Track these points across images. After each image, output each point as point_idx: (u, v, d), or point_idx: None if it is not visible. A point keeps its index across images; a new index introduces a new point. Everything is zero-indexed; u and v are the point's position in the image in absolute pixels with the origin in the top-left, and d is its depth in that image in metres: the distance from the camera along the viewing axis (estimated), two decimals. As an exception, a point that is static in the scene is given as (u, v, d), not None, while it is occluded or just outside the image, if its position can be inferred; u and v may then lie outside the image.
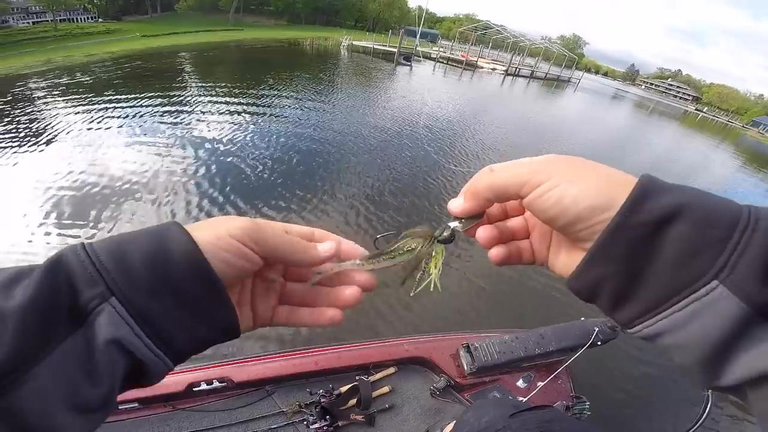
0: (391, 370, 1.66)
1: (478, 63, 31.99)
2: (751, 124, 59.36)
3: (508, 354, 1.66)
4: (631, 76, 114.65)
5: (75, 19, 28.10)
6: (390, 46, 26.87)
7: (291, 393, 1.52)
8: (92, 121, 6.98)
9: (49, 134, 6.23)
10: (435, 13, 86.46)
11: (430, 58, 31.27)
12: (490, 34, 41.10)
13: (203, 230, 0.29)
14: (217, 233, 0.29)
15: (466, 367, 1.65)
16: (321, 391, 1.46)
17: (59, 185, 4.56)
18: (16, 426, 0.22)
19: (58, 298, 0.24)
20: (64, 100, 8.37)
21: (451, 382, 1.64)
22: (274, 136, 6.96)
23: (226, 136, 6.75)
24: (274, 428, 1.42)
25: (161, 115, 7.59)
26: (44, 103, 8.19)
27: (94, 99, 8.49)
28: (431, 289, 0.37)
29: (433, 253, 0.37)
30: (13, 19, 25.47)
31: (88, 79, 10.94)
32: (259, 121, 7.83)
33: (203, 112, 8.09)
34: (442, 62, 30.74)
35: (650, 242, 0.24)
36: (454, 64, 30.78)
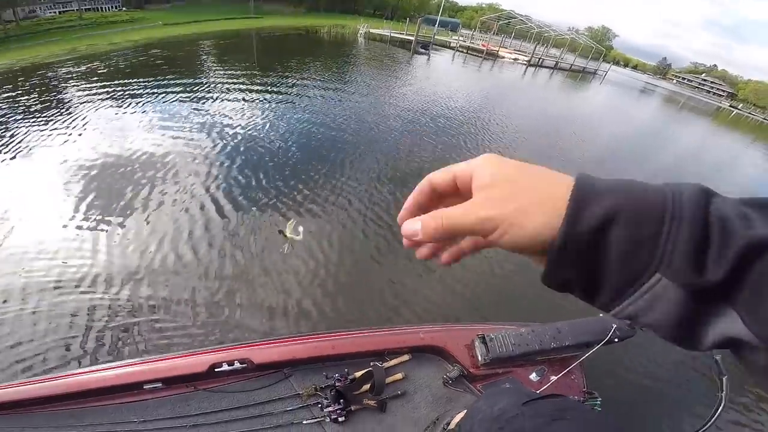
0: (405, 357, 1.69)
1: (499, 53, 31.25)
2: (791, 122, 56.25)
3: (522, 347, 1.66)
4: (662, 70, 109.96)
5: (100, 8, 28.75)
6: (407, 34, 26.53)
7: (307, 376, 1.56)
8: (118, 107, 7.20)
9: (77, 120, 6.46)
10: (456, 1, 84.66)
11: (449, 47, 30.71)
12: (513, 24, 40.03)
13: None
14: None
15: (480, 358, 1.66)
16: (336, 375, 1.50)
17: (88, 170, 4.75)
18: None
19: None
20: (89, 88, 8.63)
21: (464, 372, 1.66)
22: (292, 121, 7.17)
23: (247, 120, 6.97)
24: (290, 410, 1.47)
25: (185, 101, 7.81)
26: (70, 90, 8.47)
27: (118, 86, 8.73)
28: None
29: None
30: (40, 9, 26.25)
31: (111, 67, 11.23)
32: (279, 106, 8.06)
33: (225, 99, 8.29)
34: (462, 51, 30.16)
35: (595, 247, 0.26)
36: (474, 53, 30.17)
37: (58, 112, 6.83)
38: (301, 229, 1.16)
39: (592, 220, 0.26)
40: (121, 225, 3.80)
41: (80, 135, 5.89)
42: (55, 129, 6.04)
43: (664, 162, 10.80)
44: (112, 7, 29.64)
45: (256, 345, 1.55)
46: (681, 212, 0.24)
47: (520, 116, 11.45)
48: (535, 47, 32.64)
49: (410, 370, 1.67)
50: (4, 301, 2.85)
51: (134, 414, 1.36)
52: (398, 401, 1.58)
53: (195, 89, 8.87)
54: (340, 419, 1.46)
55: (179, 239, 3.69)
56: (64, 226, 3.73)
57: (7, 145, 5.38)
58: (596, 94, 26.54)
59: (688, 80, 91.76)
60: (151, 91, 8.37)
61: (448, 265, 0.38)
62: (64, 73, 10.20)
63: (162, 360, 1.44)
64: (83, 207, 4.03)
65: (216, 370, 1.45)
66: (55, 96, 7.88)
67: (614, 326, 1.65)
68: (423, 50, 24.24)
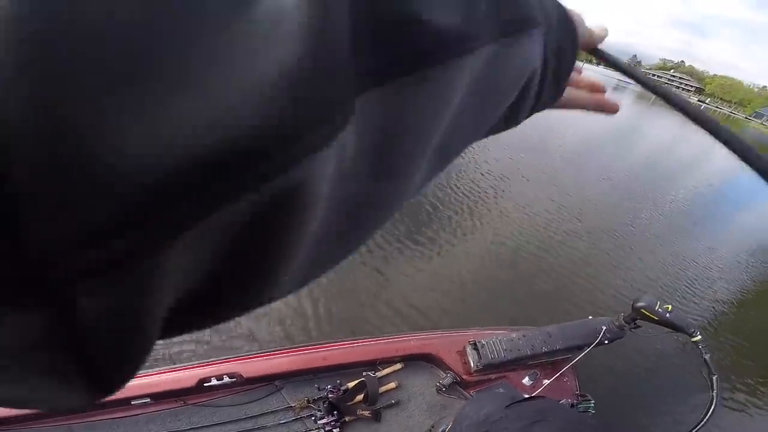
0: (398, 366, 1.68)
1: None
2: (754, 115, 59.43)
3: (514, 352, 1.67)
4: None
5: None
6: None
7: (299, 388, 1.54)
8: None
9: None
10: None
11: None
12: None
13: None
14: None
15: (472, 364, 1.67)
16: (329, 386, 1.49)
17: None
18: None
19: None
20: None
21: (457, 379, 1.66)
22: None
23: None
24: (283, 423, 1.45)
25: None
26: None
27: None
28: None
29: None
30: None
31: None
32: None
33: None
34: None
35: None
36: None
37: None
38: None
39: None
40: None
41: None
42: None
43: (639, 158, 11.22)
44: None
45: (245, 358, 1.52)
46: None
47: None
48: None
49: (403, 378, 1.67)
50: None
51: (125, 429, 1.33)
52: (392, 410, 1.58)
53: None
54: (334, 431, 1.45)
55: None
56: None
57: None
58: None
59: (658, 77, 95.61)
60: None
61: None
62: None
63: (148, 375, 1.41)
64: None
65: (205, 384, 1.43)
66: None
67: (603, 328, 1.67)
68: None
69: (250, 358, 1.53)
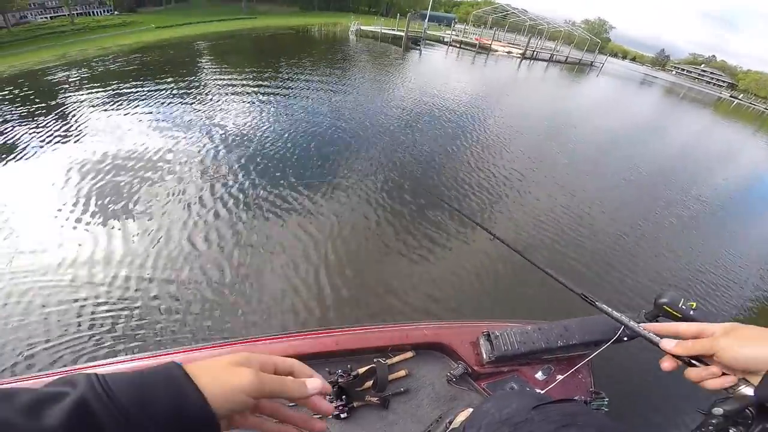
0: (409, 354, 1.67)
1: (492, 46, 31.33)
2: (792, 111, 56.35)
3: (529, 345, 1.64)
4: (660, 61, 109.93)
5: (92, 13, 28.73)
6: (398, 30, 26.53)
7: None
8: (112, 112, 7.21)
9: (72, 127, 6.46)
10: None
11: (443, 42, 30.72)
12: (508, 17, 40.07)
13: (213, 382, 0.35)
14: (229, 389, 0.35)
15: (485, 356, 1.64)
16: (339, 371, 1.49)
17: (83, 175, 4.75)
18: None
19: None
20: (80, 93, 8.63)
21: (468, 370, 1.64)
22: (284, 120, 7.22)
23: (240, 119, 7.01)
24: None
25: (179, 103, 7.83)
26: (61, 96, 8.47)
27: (112, 91, 8.73)
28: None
29: None
30: (31, 14, 26.24)
31: (103, 71, 11.25)
32: (270, 105, 8.12)
33: (217, 99, 8.33)
34: (455, 46, 30.18)
35: None
36: (467, 47, 30.20)
37: (52, 118, 6.83)
38: None
39: None
40: (122, 225, 3.83)
41: (77, 141, 5.90)
42: (51, 136, 6.05)
43: (669, 153, 10.80)
44: (104, 11, 29.61)
45: (259, 340, 1.54)
46: None
47: (511, 112, 11.45)
48: (529, 40, 32.59)
49: (414, 366, 1.66)
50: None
51: None
52: (401, 398, 1.57)
53: (188, 91, 8.87)
54: (342, 416, 1.46)
55: (179, 238, 3.70)
56: (63, 227, 3.74)
57: (3, 152, 5.39)
58: (594, 86, 26.51)
59: (688, 71, 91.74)
60: (145, 95, 8.38)
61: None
62: (55, 79, 10.20)
63: (166, 355, 1.44)
64: (83, 210, 4.04)
65: None
66: (48, 103, 7.86)
67: (623, 325, 1.61)
68: (414, 46, 24.29)
69: (264, 340, 1.54)
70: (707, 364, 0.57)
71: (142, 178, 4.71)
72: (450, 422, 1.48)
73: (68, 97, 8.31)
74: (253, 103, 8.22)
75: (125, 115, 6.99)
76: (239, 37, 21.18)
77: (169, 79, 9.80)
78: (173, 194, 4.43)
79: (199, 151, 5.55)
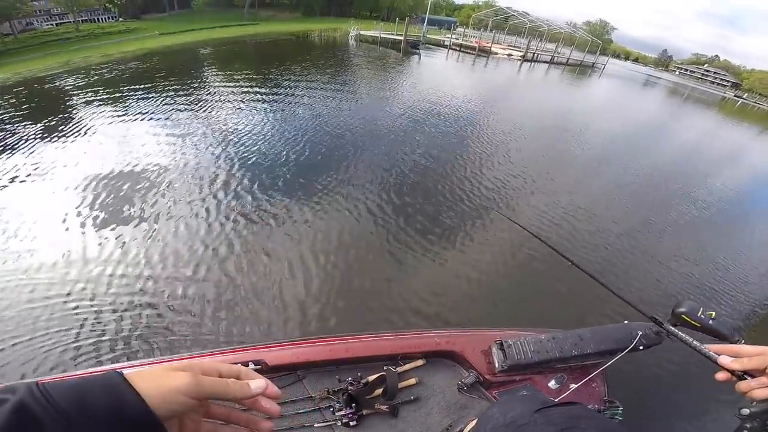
0: (420, 362, 1.66)
1: (492, 49, 31.45)
2: (798, 111, 56.03)
3: (542, 354, 1.62)
4: (663, 62, 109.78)
5: (96, 20, 29.13)
6: (397, 35, 26.68)
7: (321, 379, 1.54)
8: (118, 119, 7.29)
9: (78, 133, 6.53)
10: (453, 0, 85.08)
11: (443, 46, 30.83)
12: (509, 20, 40.22)
13: (150, 385, 0.37)
14: (166, 390, 0.37)
15: (497, 364, 1.62)
16: (349, 378, 1.48)
17: (88, 181, 4.79)
18: None
19: None
20: (85, 100, 8.73)
21: (479, 378, 1.62)
22: (285, 124, 7.28)
23: (244, 124, 7.07)
24: (302, 413, 1.45)
25: (181, 108, 7.88)
26: (66, 103, 8.57)
27: (117, 97, 8.82)
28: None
29: None
30: (37, 21, 26.62)
31: (108, 78, 11.38)
32: (269, 110, 8.20)
33: (219, 104, 8.42)
34: (455, 49, 30.30)
35: None
36: (467, 50, 30.31)
37: (59, 125, 6.91)
38: None
39: None
40: (132, 231, 3.87)
41: (84, 149, 5.96)
42: (59, 143, 6.11)
43: (674, 153, 10.75)
44: (109, 18, 29.99)
45: (271, 347, 1.53)
46: None
47: (512, 115, 11.45)
48: (529, 42, 32.68)
49: (424, 375, 1.65)
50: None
51: None
52: (411, 406, 1.56)
53: (192, 96, 8.94)
54: (351, 423, 1.45)
55: (187, 244, 3.72)
56: (71, 231, 3.77)
57: (12, 161, 5.44)
58: (596, 88, 26.49)
59: (691, 71, 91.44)
60: (149, 101, 8.46)
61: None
62: (61, 85, 10.33)
63: (177, 359, 1.44)
64: (92, 217, 4.07)
65: None
66: (55, 110, 7.97)
67: (639, 333, 1.58)
68: (413, 50, 24.41)
69: (275, 346, 1.54)
70: (752, 377, 0.69)
71: (135, 185, 4.73)
72: (460, 431, 1.47)
73: (68, 104, 8.40)
74: (248, 108, 8.31)
75: (132, 123, 7.06)
76: (241, 44, 21.40)
77: (175, 87, 9.89)
78: (176, 200, 4.45)
79: (196, 157, 5.59)
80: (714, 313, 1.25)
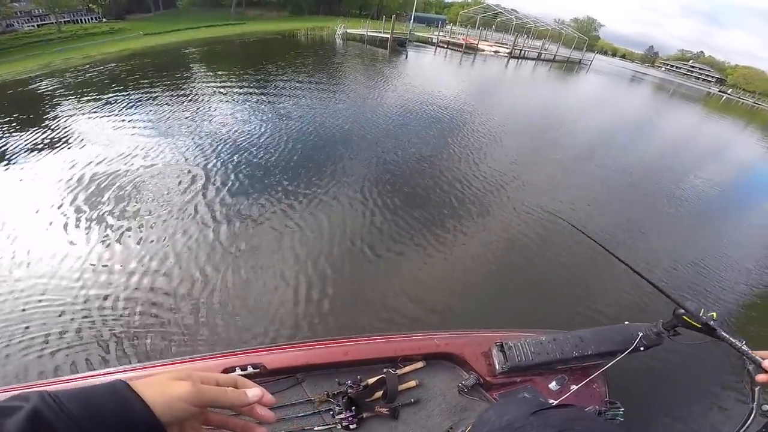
0: (420, 364, 1.66)
1: (479, 46, 31.69)
2: (780, 105, 57.64)
3: (543, 355, 1.63)
4: (649, 58, 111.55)
5: (79, 21, 28.56)
6: (384, 33, 26.66)
7: (320, 382, 1.54)
8: (101, 119, 7.16)
9: (55, 136, 6.40)
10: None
11: (431, 43, 30.94)
12: (497, 17, 40.52)
13: (155, 392, 0.39)
14: (169, 398, 0.39)
15: (497, 366, 1.63)
16: (349, 381, 1.48)
17: (71, 184, 4.69)
18: None
19: None
20: (65, 102, 8.59)
21: (480, 380, 1.63)
22: (271, 124, 7.21)
23: (227, 124, 7.04)
24: (302, 416, 1.45)
25: (165, 110, 7.78)
26: (46, 105, 8.40)
27: (99, 98, 8.67)
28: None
29: None
30: (18, 22, 26.00)
31: (90, 80, 11.17)
32: (256, 110, 8.12)
33: (205, 104, 8.32)
34: (443, 47, 30.40)
35: None
36: (454, 48, 30.46)
37: (39, 128, 6.75)
38: None
39: None
40: (118, 236, 3.78)
41: (67, 148, 5.84)
42: (39, 146, 5.97)
43: (662, 148, 10.93)
44: (92, 18, 29.43)
45: (269, 350, 1.52)
46: None
47: (503, 108, 11.51)
48: (516, 39, 33.01)
49: (424, 377, 1.65)
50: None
51: None
52: (411, 409, 1.56)
53: (176, 97, 8.82)
54: (351, 426, 1.44)
55: (174, 248, 3.66)
56: (55, 237, 3.68)
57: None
58: (584, 84, 26.77)
59: (677, 67, 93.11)
60: (133, 102, 8.33)
61: None
62: (39, 88, 10.11)
63: (176, 363, 1.42)
64: (75, 221, 3.98)
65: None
66: (35, 111, 7.79)
67: (640, 334, 1.59)
68: (400, 48, 24.45)
69: (273, 349, 1.53)
70: None
71: (124, 187, 4.65)
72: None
73: (47, 107, 8.24)
74: (230, 108, 8.23)
75: (115, 125, 6.94)
76: (226, 43, 21.09)
77: (159, 88, 9.76)
78: (161, 201, 4.37)
79: (175, 159, 5.52)
80: (715, 314, 1.26)
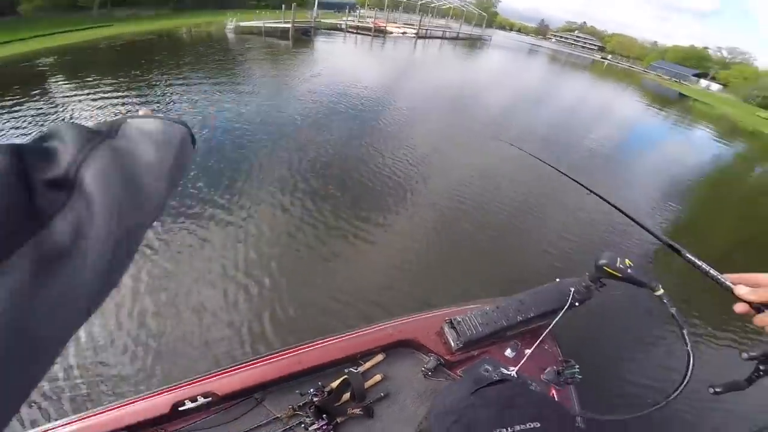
0: (380, 357, 1.69)
1: (387, 28, 32.61)
2: (650, 68, 69.04)
3: (491, 325, 1.72)
4: (542, 31, 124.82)
5: None
6: (285, 22, 25.82)
7: (281, 397, 1.50)
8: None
9: None
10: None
11: (340, 29, 30.90)
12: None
13: None
14: None
15: (453, 343, 1.70)
16: (311, 390, 1.46)
17: None
18: None
19: None
20: None
21: (441, 361, 1.68)
22: None
23: None
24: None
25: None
26: None
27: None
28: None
29: None
30: None
31: None
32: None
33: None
34: (352, 32, 30.57)
35: None
36: (364, 32, 30.83)
37: None
38: None
39: None
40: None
41: None
42: None
43: (560, 113, 12.31)
44: None
45: (220, 374, 1.45)
46: None
47: (415, 92, 11.95)
48: (421, 19, 34.56)
49: (387, 369, 1.68)
50: None
51: None
52: (383, 403, 1.59)
53: (31, 119, 7.59)
54: None
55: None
56: None
57: None
58: (486, 60, 28.92)
59: (565, 38, 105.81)
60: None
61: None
62: None
63: (122, 406, 1.32)
64: None
65: (180, 409, 1.35)
66: None
67: (572, 290, 1.70)
68: (305, 36, 24.06)
69: (222, 373, 1.46)
70: None
71: None
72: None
73: None
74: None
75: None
76: (83, 51, 17.15)
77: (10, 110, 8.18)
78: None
79: None
80: (629, 261, 1.37)
